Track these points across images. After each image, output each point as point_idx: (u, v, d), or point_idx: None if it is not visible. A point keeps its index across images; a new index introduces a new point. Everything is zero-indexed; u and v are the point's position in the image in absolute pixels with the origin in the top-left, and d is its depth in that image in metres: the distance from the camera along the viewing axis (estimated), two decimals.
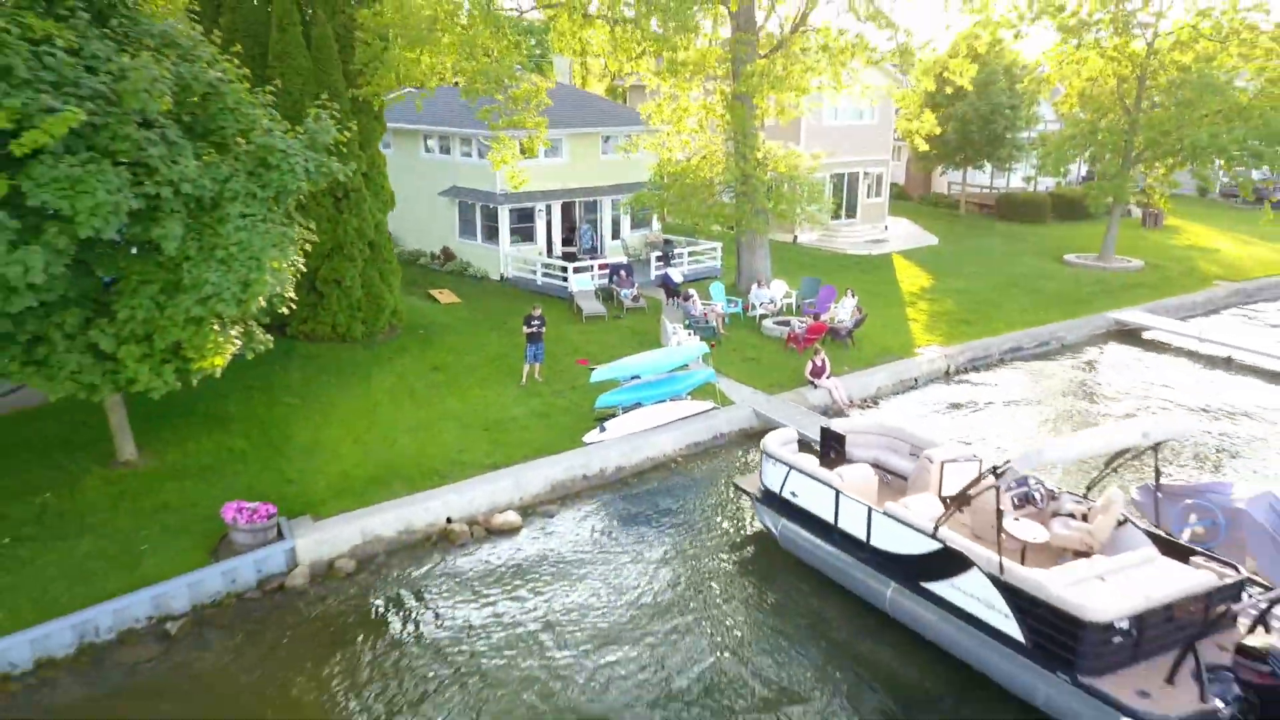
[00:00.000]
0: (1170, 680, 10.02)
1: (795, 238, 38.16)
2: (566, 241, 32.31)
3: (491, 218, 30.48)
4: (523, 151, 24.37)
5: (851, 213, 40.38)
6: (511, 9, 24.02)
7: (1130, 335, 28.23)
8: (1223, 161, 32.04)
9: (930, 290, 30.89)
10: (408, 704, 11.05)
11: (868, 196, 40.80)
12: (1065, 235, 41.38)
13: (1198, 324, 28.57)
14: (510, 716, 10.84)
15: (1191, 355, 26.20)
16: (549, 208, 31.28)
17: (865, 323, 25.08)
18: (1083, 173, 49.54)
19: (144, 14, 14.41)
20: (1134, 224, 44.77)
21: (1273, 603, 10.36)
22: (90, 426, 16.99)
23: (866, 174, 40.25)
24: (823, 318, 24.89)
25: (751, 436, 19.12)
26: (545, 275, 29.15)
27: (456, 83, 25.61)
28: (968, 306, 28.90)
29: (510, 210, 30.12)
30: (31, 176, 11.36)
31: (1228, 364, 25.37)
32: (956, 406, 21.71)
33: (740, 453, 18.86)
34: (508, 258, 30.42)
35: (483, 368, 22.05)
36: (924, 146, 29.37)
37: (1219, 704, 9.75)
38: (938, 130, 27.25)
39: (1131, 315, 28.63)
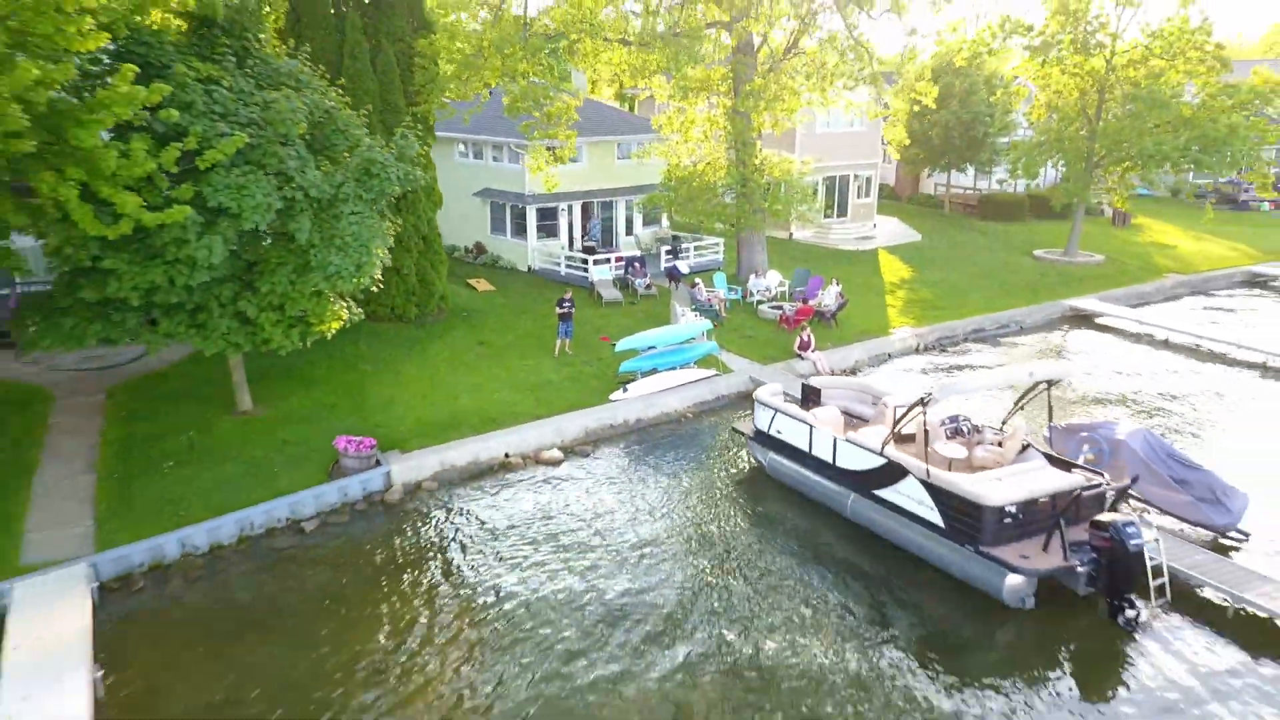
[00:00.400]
0: (1045, 548, 13.94)
1: (791, 235, 41.99)
2: (585, 236, 36.19)
3: (520, 216, 34.42)
4: (557, 159, 28.20)
5: (843, 212, 44.23)
6: (542, 31, 27.62)
7: (1084, 319, 32.10)
8: (1169, 166, 35.78)
9: (909, 281, 34.78)
10: (505, 569, 15.04)
11: (858, 197, 44.65)
12: (1039, 233, 45.11)
13: (1142, 310, 32.44)
14: (585, 583, 14.74)
15: (1134, 336, 30.10)
16: (570, 207, 35.21)
17: (848, 307, 29.01)
18: (1060, 175, 53.21)
19: (266, 53, 18.38)
20: (1105, 222, 48.54)
21: (1120, 492, 14.30)
22: (210, 384, 20.95)
23: (856, 177, 44.09)
24: (810, 302, 28.80)
25: (747, 398, 22.96)
26: (568, 267, 33.08)
27: (489, 93, 29.55)
28: (941, 294, 32.79)
29: (536, 209, 34.04)
30: (210, 184, 15.31)
31: (1164, 344, 29.25)
32: (924, 373, 25.62)
33: (739, 411, 22.74)
34: (534, 251, 34.36)
35: (520, 343, 25.96)
36: (896, 155, 33.22)
37: (1076, 562, 13.68)
38: (907, 142, 31.15)
39: (1084, 302, 32.53)
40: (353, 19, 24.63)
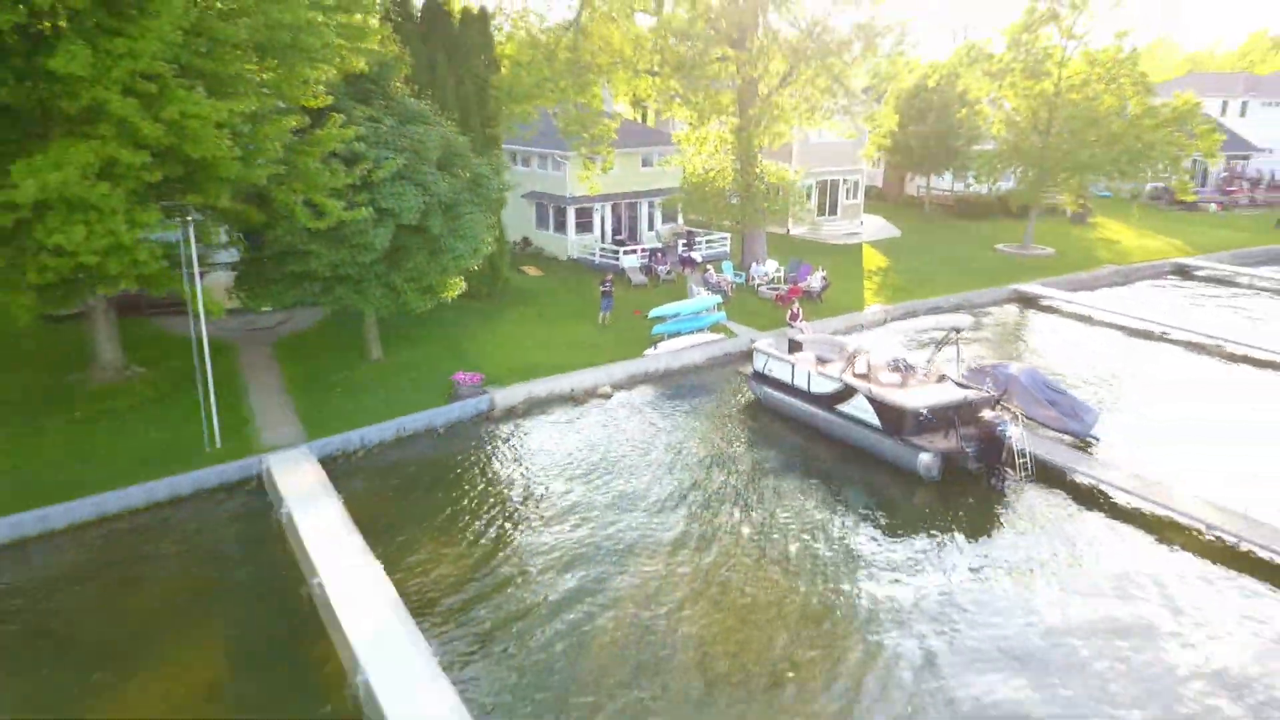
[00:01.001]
0: (946, 438, 20.87)
1: (788, 230, 48.87)
2: (615, 232, 43.18)
3: (561, 214, 41.39)
4: (602, 169, 35.22)
5: (833, 211, 51.12)
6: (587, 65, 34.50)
7: (1028, 301, 38.95)
8: (1102, 175, 42.60)
9: (885, 269, 41.69)
10: (585, 452, 22.04)
11: (846, 198, 51.54)
12: (1004, 229, 51.90)
13: (1076, 294, 39.27)
14: (644, 460, 21.68)
15: (1066, 314, 36.95)
16: (603, 207, 42.14)
17: (831, 289, 35.91)
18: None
19: (400, 96, 25.37)
20: (1065, 221, 55.26)
21: (995, 400, 21.26)
22: (344, 340, 27.96)
23: (845, 180, 50.98)
24: (800, 284, 35.70)
25: (748, 356, 29.83)
26: (602, 256, 40.03)
27: (540, 114, 36.52)
28: (910, 280, 39.68)
29: (575, 209, 40.99)
30: (379, 192, 22.29)
31: (1089, 320, 36.11)
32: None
33: (741, 365, 29.66)
34: (573, 244, 41.32)
35: (569, 315, 32.93)
36: (870, 166, 40.09)
37: (966, 447, 20.61)
38: (877, 157, 38.07)
39: (1028, 286, 39.40)
40: (441, 61, 31.59)
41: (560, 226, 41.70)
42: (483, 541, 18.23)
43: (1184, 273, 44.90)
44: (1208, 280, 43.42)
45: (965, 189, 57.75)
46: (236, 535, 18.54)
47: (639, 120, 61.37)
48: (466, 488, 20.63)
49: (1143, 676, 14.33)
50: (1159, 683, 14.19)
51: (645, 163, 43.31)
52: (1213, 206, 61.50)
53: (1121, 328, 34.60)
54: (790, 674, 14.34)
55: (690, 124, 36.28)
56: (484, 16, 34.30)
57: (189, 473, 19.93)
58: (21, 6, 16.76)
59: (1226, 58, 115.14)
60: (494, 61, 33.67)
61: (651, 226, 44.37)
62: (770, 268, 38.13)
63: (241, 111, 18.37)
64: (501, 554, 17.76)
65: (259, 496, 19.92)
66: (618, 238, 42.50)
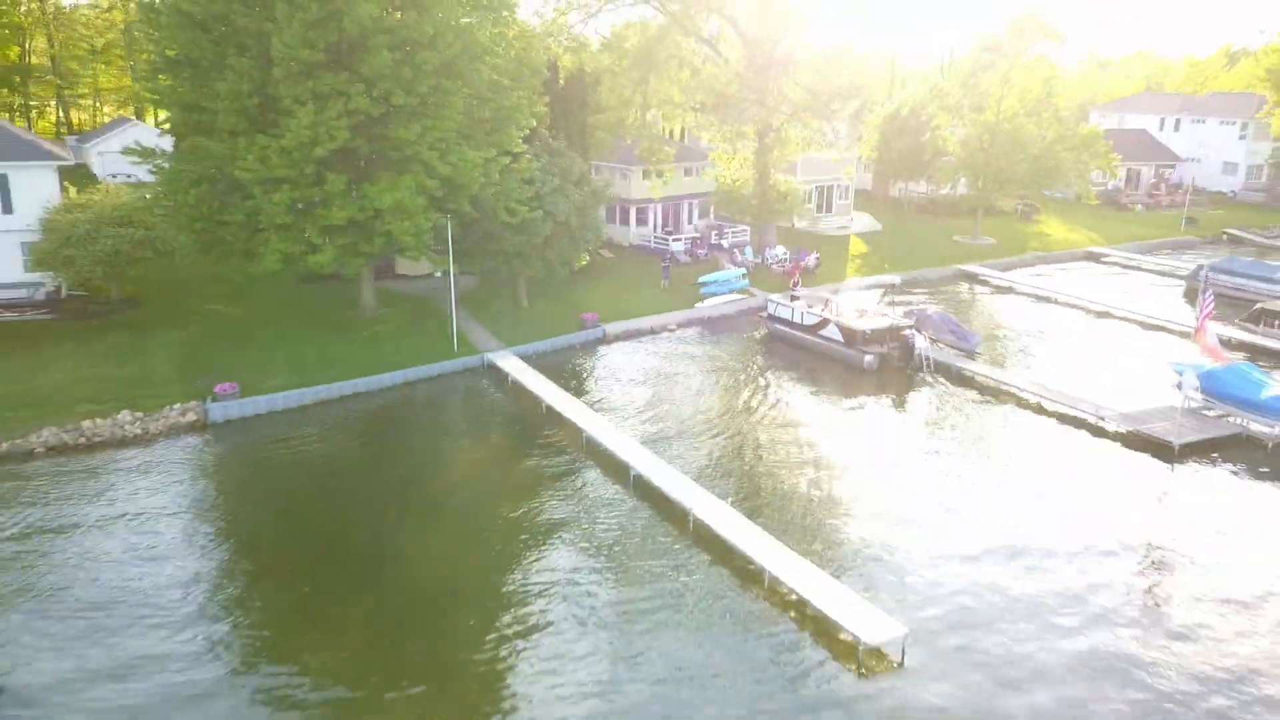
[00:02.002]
0: (881, 346, 35.69)
1: (793, 225, 63.38)
2: (664, 225, 57.90)
3: (624, 211, 56.17)
4: (664, 182, 50.11)
5: (829, 209, 65.67)
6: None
7: (969, 277, 53.54)
8: (1027, 186, 57.15)
9: (865, 253, 56.36)
10: (661, 359, 36.91)
11: (839, 200, 66.08)
12: (963, 224, 66.19)
13: (1005, 272, 53.83)
14: (698, 364, 36.49)
15: (993, 286, 51.58)
16: (655, 206, 56.88)
17: (823, 267, 50.62)
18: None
19: (543, 138, 40.22)
20: (1014, 217, 69.53)
21: (911, 326, 36.06)
22: (499, 295, 42.84)
23: (839, 186, 65.50)
24: (801, 264, 50.42)
25: (764, 309, 44.50)
26: (655, 243, 54.80)
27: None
28: (882, 260, 54.33)
29: (635, 208, 55.74)
30: (544, 201, 37.13)
31: (1010, 290, 50.70)
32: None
33: (760, 313, 44.32)
34: (634, 234, 56.10)
35: (639, 283, 47.71)
36: (848, 181, 54.84)
37: (892, 352, 35.43)
38: (853, 173, 52.70)
39: (969, 266, 54.00)
40: (556, 109, 46.31)
41: (624, 220, 56.45)
42: (618, 386, 33.27)
43: (1091, 258, 59.40)
44: (1108, 263, 57.94)
45: (935, 192, 72.13)
46: (486, 389, 33.58)
47: (671, 134, 76.00)
48: (602, 372, 35.66)
49: (976, 437, 29.12)
50: (980, 436, 29.00)
51: (687, 173, 57.95)
52: (1139, 207, 75.72)
53: (1033, 296, 49.24)
54: (779, 447, 29.22)
55: (723, 149, 51.11)
56: (581, 75, 49.08)
57: (445, 362, 34.94)
58: (385, 104, 31.61)
59: (1191, 70, 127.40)
60: (586, 104, 48.43)
61: (691, 220, 59.10)
62: (779, 252, 52.77)
63: (485, 156, 33.24)
64: (630, 393, 32.86)
65: (489, 375, 34.92)
66: (666, 229, 57.28)
